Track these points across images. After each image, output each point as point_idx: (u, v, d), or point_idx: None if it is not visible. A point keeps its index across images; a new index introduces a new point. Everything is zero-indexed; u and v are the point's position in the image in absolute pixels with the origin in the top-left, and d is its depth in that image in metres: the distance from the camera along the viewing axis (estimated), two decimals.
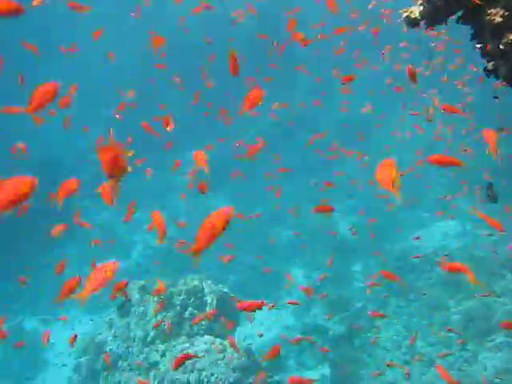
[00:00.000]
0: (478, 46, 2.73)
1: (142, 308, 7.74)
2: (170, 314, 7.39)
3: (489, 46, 2.63)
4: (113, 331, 8.07)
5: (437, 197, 12.76)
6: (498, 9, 2.42)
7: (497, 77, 2.78)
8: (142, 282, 8.28)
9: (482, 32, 2.68)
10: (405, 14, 2.98)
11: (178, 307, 7.44)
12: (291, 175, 13.61)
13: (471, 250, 10.90)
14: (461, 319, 9.14)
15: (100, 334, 8.43)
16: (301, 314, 10.86)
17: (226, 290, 8.01)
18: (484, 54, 2.77)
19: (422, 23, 2.94)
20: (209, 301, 7.53)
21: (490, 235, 11.10)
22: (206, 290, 7.68)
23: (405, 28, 3.20)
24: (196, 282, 7.70)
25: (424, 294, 10.03)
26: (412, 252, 11.62)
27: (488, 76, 2.85)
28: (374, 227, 11.78)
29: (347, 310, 10.58)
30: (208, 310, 7.38)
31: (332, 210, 4.88)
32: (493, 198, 5.53)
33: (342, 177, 13.99)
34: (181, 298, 7.51)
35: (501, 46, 2.46)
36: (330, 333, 10.00)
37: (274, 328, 10.74)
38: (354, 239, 12.01)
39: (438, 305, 10.02)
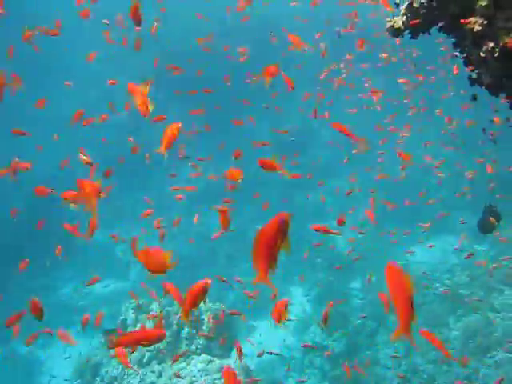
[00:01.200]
0: (459, 54, 2.77)
1: (138, 327, 7.67)
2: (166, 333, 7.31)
3: (471, 55, 2.68)
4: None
5: (436, 212, 12.76)
6: (478, 17, 2.47)
7: (480, 85, 2.82)
8: (139, 302, 8.23)
9: (464, 41, 2.72)
10: (388, 24, 3.03)
11: (175, 326, 7.37)
12: (286, 192, 13.70)
13: (470, 266, 10.89)
14: (460, 336, 9.07)
15: (96, 355, 8.34)
16: (300, 332, 10.77)
17: (224, 308, 7.95)
18: (467, 62, 2.81)
19: (405, 33, 2.99)
20: (206, 319, 7.47)
21: (488, 251, 11.14)
22: (203, 309, 7.61)
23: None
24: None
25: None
26: (409, 267, 11.63)
27: (472, 85, 2.89)
28: (372, 243, 11.79)
29: (346, 327, 10.51)
30: (205, 328, 7.31)
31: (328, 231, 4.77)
32: (493, 222, 5.51)
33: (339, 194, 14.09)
34: (178, 316, 7.44)
35: (481, 54, 2.50)
36: (330, 350, 9.91)
37: (272, 347, 10.63)
38: (352, 255, 11.97)
39: (438, 321, 9.97)
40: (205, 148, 14.29)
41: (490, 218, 5.94)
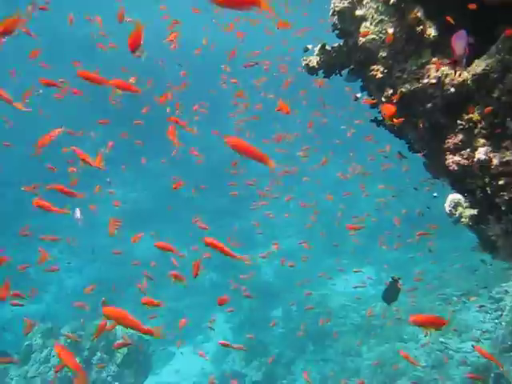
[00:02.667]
0: (359, 96, 3.04)
1: (44, 353, 7.23)
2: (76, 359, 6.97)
3: (375, 99, 2.95)
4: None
5: (355, 244, 13.28)
6: (380, 66, 2.74)
7: (384, 126, 3.09)
8: (49, 326, 7.79)
9: (370, 84, 3.00)
10: (304, 62, 3.25)
11: (86, 352, 7.05)
12: (218, 218, 13.73)
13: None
14: (371, 365, 9.43)
15: None
16: (219, 360, 10.67)
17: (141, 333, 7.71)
18: (372, 105, 3.09)
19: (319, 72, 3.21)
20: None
21: (402, 285, 11.71)
22: (118, 334, 7.35)
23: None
24: (109, 325, 7.35)
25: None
26: (331, 298, 11.99)
27: (378, 125, 3.17)
28: (295, 272, 12.04)
29: (265, 355, 10.56)
30: (119, 355, 7.05)
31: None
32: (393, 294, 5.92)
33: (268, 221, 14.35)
34: (90, 342, 7.13)
35: (383, 99, 2.78)
36: (247, 379, 9.91)
37: (191, 375, 10.44)
38: (276, 284, 12.18)
39: (352, 351, 10.30)
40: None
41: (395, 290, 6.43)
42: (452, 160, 2.54)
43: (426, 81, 2.52)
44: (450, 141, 2.53)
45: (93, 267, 12.77)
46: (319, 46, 3.14)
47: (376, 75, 2.72)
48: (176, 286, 11.94)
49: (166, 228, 13.88)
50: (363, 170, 13.30)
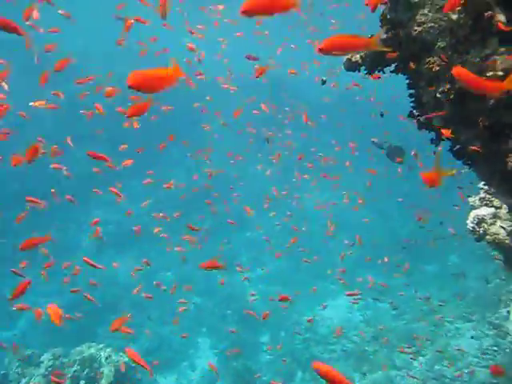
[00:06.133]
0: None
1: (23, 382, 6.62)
2: None
3: (423, 96, 2.72)
4: None
5: (343, 269, 13.06)
6: (436, 58, 2.51)
7: (428, 129, 2.86)
8: (27, 353, 7.18)
9: (418, 82, 2.76)
10: (345, 58, 3.00)
11: (69, 381, 6.47)
12: (201, 240, 13.32)
13: (374, 323, 11.18)
14: None
15: None
16: None
17: (126, 359, 7.18)
18: (417, 105, 2.85)
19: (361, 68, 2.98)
20: (106, 372, 6.65)
21: (395, 309, 11.54)
22: (103, 360, 6.81)
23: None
24: (93, 351, 6.82)
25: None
26: (319, 323, 11.64)
27: (419, 129, 2.93)
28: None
29: (254, 383, 10.11)
30: (104, 382, 6.50)
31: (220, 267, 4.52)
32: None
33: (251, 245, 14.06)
34: (73, 369, 6.56)
35: (437, 95, 2.54)
36: None
37: None
38: (263, 309, 11.76)
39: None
40: None
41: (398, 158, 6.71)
42: None
43: (490, 74, 2.31)
44: None
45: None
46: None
47: (432, 68, 2.50)
48: (160, 310, 11.46)
49: (149, 249, 13.44)
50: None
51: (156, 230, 10.21)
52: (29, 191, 7.39)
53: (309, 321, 10.84)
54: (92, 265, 4.85)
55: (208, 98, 13.56)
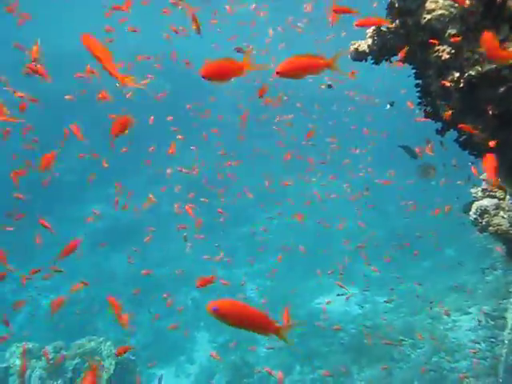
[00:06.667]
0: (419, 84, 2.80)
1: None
2: (58, 382, 6.37)
3: (431, 86, 2.71)
4: None
5: (341, 263, 13.11)
6: (446, 46, 2.51)
7: (435, 119, 2.86)
8: (29, 346, 7.14)
9: (426, 71, 2.75)
10: (352, 47, 2.98)
11: (70, 374, 6.46)
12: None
13: (372, 316, 11.24)
14: None
15: None
16: (203, 382, 10.15)
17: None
18: (424, 94, 2.84)
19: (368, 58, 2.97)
20: (107, 365, 6.65)
21: (388, 302, 11.61)
22: (104, 353, 6.80)
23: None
24: (93, 344, 6.81)
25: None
26: (317, 317, 11.68)
27: (427, 118, 2.93)
28: (280, 291, 11.76)
29: (251, 376, 10.14)
30: (105, 376, 6.50)
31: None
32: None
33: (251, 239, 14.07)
34: (74, 362, 6.56)
35: (447, 84, 2.54)
36: None
37: None
38: (261, 302, 11.80)
39: (342, 371, 9.99)
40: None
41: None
42: None
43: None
44: None
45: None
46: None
47: (442, 56, 2.49)
48: (158, 305, 11.46)
49: (147, 245, 13.40)
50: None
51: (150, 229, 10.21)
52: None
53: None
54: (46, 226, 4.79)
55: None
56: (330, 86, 3.93)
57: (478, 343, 8.92)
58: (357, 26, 2.90)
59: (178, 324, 10.23)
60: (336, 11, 3.08)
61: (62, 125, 7.34)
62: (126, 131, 2.87)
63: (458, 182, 8.33)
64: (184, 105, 14.39)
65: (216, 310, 1.85)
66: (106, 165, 8.53)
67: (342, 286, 9.46)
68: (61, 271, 5.00)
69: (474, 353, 8.58)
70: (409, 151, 6.90)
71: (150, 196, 9.83)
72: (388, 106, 5.12)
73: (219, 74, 2.11)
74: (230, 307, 1.88)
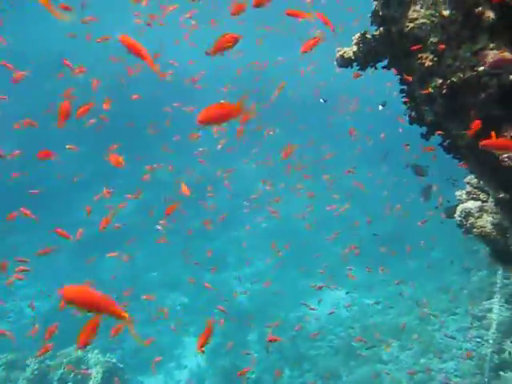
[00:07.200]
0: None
1: None
2: None
3: (415, 92, 2.75)
4: None
5: (328, 266, 13.14)
6: (428, 53, 2.55)
7: (420, 124, 2.89)
8: (11, 356, 7.03)
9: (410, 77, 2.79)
10: (338, 54, 3.03)
11: (56, 383, 6.37)
12: (192, 239, 13.36)
13: (360, 319, 11.28)
14: None
15: None
16: None
17: (114, 360, 7.11)
18: (408, 100, 2.88)
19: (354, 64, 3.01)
20: (94, 374, 6.57)
21: (376, 304, 11.68)
22: (91, 362, 6.73)
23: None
24: (80, 353, 6.73)
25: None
26: (305, 319, 11.70)
27: (411, 124, 2.98)
28: (270, 295, 11.76)
29: (241, 381, 10.10)
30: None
31: None
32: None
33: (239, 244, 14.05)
34: (60, 372, 6.46)
35: (430, 90, 2.58)
36: None
37: None
38: (251, 307, 11.80)
39: (331, 373, 10.01)
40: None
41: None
42: (508, 155, 2.36)
43: (481, 68, 2.35)
44: (505, 134, 2.36)
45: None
46: (358, 34, 2.92)
47: (425, 63, 2.53)
48: (146, 309, 11.36)
49: (136, 248, 13.31)
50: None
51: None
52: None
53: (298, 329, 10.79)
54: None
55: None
56: (325, 101, 4.08)
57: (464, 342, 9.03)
58: (287, 14, 3.35)
59: (169, 333, 10.16)
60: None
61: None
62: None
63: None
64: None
65: (62, 295, 1.97)
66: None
67: (320, 288, 9.54)
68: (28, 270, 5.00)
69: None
70: (417, 170, 6.86)
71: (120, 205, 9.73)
72: (380, 107, 5.18)
73: (215, 120, 2.29)
74: (77, 293, 2.00)
